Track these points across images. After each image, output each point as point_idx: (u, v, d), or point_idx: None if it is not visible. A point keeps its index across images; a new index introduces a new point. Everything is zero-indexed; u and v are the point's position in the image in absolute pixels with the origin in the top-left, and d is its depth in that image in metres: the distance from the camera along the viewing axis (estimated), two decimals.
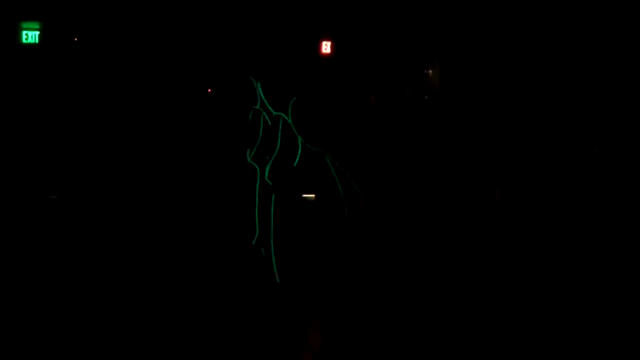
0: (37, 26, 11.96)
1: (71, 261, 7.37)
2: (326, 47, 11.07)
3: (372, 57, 10.88)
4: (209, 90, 11.75)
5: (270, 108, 7.07)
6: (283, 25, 10.93)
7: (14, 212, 9.32)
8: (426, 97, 10.86)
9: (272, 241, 6.89)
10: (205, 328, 5.83)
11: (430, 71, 10.48)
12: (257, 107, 7.11)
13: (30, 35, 12.00)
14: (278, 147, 6.98)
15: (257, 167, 7.01)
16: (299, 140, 6.96)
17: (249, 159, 6.97)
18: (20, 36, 11.96)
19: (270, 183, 6.92)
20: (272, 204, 6.89)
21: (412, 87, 10.73)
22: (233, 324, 5.96)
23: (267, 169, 7.02)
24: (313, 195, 7.12)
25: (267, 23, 10.99)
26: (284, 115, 6.98)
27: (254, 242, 6.98)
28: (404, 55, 10.73)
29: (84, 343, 5.39)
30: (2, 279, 6.84)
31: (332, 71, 10.73)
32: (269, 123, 7.01)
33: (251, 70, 10.91)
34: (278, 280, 6.89)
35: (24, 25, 11.92)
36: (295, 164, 6.91)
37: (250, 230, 7.06)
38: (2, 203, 9.53)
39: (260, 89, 7.13)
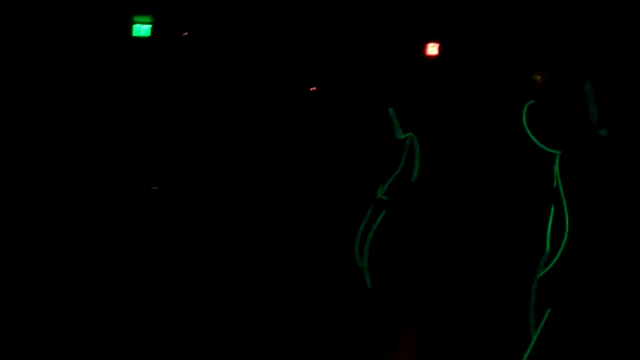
0: (148, 20, 12.20)
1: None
2: (432, 49, 10.93)
3: (479, 60, 10.71)
4: (313, 88, 11.78)
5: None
6: (388, 27, 10.86)
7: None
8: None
9: (366, 249, 6.92)
10: (297, 330, 5.83)
11: (538, 77, 10.22)
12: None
13: (143, 29, 12.23)
14: (401, 165, 7.00)
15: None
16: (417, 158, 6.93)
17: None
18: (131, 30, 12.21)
19: (386, 198, 6.97)
20: (380, 217, 6.96)
21: (518, 92, 10.49)
22: (326, 326, 5.96)
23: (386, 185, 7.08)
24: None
25: (372, 25, 10.94)
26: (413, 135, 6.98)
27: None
28: (511, 59, 10.51)
29: None
30: None
31: (438, 74, 10.61)
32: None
33: (353, 72, 10.93)
34: (370, 286, 6.90)
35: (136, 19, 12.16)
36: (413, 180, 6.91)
37: (348, 238, 7.10)
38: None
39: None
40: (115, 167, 11.09)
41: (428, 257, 7.23)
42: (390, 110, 7.08)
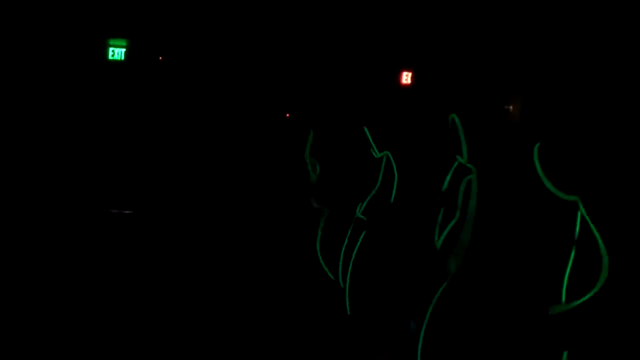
0: (124, 43, 12.19)
1: None
2: (406, 77, 11.00)
3: (453, 89, 10.78)
4: (287, 115, 11.81)
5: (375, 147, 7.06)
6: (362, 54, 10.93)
7: None
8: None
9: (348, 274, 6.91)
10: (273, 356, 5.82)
11: (511, 107, 10.33)
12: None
13: (117, 52, 12.22)
14: (378, 185, 6.97)
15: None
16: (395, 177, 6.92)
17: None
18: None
19: (365, 219, 6.96)
20: (360, 239, 6.92)
21: (490, 123, 10.59)
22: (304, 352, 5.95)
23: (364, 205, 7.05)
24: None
25: (345, 52, 11.00)
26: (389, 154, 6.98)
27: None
28: (486, 89, 10.60)
29: None
30: None
31: (412, 102, 10.68)
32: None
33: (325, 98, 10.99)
34: (349, 312, 6.89)
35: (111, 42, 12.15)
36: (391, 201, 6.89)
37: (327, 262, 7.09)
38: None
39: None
40: (89, 190, 11.04)
41: (407, 278, 7.21)
42: (365, 129, 7.09)
